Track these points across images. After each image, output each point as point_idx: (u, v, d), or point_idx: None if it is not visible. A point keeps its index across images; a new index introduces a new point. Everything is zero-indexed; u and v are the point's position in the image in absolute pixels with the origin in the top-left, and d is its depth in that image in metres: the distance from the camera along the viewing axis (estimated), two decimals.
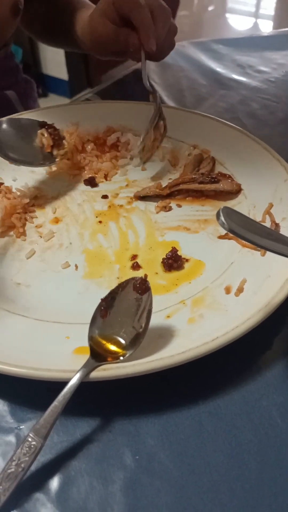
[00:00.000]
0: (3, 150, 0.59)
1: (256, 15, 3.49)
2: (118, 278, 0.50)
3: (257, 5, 3.57)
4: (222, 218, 0.38)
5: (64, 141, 0.62)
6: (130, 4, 0.67)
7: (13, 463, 0.35)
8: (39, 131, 0.61)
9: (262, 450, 0.38)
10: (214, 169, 0.63)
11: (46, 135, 0.61)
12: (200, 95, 0.83)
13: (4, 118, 0.62)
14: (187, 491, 0.36)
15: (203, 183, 0.60)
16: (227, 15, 3.52)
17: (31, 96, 0.90)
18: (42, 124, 0.62)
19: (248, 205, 0.57)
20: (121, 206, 0.60)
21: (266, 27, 3.31)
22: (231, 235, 0.53)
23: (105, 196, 0.61)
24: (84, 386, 0.39)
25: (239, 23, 3.38)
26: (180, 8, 2.46)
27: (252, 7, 3.56)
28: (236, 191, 0.59)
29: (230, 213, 0.39)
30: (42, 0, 0.87)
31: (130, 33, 0.68)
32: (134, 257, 0.53)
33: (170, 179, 0.63)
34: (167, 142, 0.67)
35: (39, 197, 0.61)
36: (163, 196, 0.60)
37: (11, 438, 0.40)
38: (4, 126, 0.60)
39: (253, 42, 0.99)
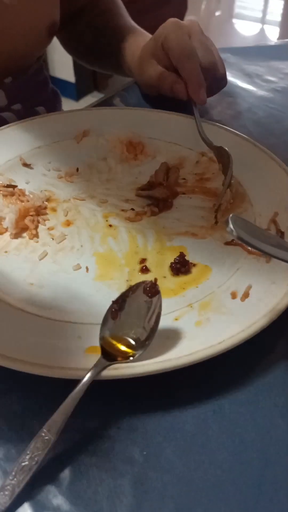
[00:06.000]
0: None
1: (262, 21, 3.51)
2: (127, 280, 0.52)
3: (264, 11, 3.60)
4: (230, 225, 0.40)
5: None
6: (178, 53, 0.66)
7: (27, 457, 0.37)
8: None
9: (265, 448, 0.40)
10: (178, 177, 0.65)
11: None
12: (208, 102, 0.84)
13: None
14: (193, 485, 0.38)
15: (143, 190, 0.63)
16: (234, 20, 3.54)
17: (57, 109, 0.91)
18: None
19: (253, 213, 0.59)
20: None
21: (273, 33, 3.33)
22: (237, 241, 0.55)
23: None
24: (94, 384, 0.40)
25: (245, 29, 3.40)
26: (188, 13, 2.48)
27: (259, 13, 3.58)
28: (167, 198, 0.61)
29: (238, 221, 0.40)
30: (88, 25, 0.88)
31: (176, 80, 0.68)
32: (143, 260, 0.54)
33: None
34: (176, 147, 0.70)
35: (51, 200, 0.63)
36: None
37: (24, 433, 0.41)
38: None
39: (261, 52, 1.01)
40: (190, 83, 0.67)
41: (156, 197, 0.62)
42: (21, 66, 0.78)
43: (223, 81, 0.75)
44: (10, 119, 0.79)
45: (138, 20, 0.87)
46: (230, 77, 0.91)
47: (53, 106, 0.89)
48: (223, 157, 0.64)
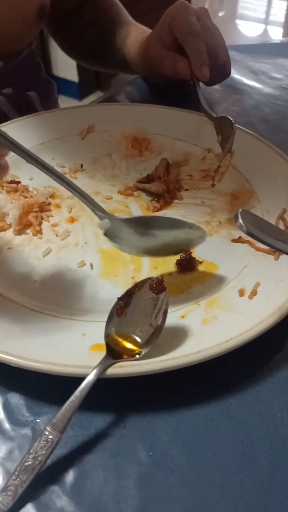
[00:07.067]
0: None
1: (266, 21, 3.50)
2: (132, 278, 0.51)
3: (267, 12, 3.59)
4: (240, 220, 0.39)
5: None
6: (184, 30, 0.67)
7: (30, 456, 0.36)
8: None
9: (274, 449, 0.39)
10: (179, 173, 0.65)
11: None
12: (214, 99, 0.84)
13: None
14: (199, 487, 0.37)
15: (142, 182, 0.62)
16: (237, 21, 3.53)
17: (51, 98, 0.90)
18: None
19: (261, 209, 0.58)
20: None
21: (276, 34, 3.32)
22: (244, 238, 0.54)
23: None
24: (99, 382, 0.39)
25: (249, 30, 3.40)
26: None
27: (262, 14, 3.57)
28: (163, 192, 0.60)
29: (248, 216, 0.40)
30: (89, 23, 0.88)
31: (178, 58, 0.69)
32: None
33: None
34: (181, 143, 0.69)
35: (55, 196, 0.62)
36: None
37: (27, 431, 0.40)
38: None
39: (266, 49, 1.00)
40: (194, 59, 0.67)
41: (152, 191, 0.61)
42: (11, 50, 0.78)
43: (225, 69, 0.75)
44: (0, 102, 0.79)
45: (140, 20, 0.87)
46: (236, 74, 0.91)
47: (46, 94, 0.88)
48: (224, 127, 0.63)
